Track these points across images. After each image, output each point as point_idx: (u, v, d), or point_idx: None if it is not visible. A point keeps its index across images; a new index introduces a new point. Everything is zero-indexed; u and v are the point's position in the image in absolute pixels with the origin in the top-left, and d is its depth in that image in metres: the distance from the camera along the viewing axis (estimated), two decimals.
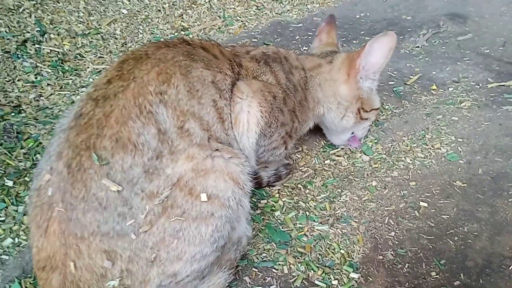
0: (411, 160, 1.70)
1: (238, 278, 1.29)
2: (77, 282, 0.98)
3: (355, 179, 1.64)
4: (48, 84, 2.03)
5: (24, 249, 1.28)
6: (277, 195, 1.57)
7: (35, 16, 2.27)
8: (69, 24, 2.35)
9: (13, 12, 2.22)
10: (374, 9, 2.84)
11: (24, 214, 1.35)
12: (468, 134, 1.80)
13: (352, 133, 1.73)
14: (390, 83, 2.13)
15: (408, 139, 1.80)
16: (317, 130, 1.83)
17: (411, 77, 2.16)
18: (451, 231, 1.40)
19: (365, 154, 1.74)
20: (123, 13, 2.51)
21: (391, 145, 1.77)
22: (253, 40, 2.51)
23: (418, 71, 2.20)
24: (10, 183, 1.41)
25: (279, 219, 1.49)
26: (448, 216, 1.46)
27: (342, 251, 1.37)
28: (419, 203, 1.52)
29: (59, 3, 2.41)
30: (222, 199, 1.10)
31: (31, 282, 1.20)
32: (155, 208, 1.02)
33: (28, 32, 2.20)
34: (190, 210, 1.05)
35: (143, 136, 1.03)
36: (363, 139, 1.79)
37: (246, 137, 1.30)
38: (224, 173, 1.11)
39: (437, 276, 1.26)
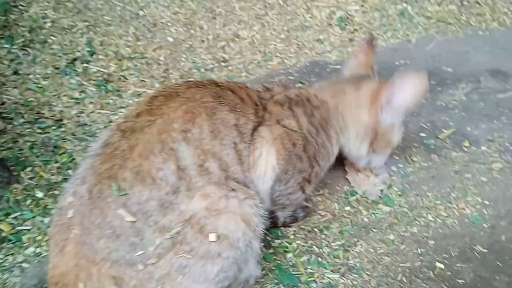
0: (433, 217, 1.67)
1: None
2: None
3: (373, 229, 1.62)
4: (90, 102, 2.14)
5: (44, 260, 1.35)
6: (291, 237, 1.58)
7: (86, 37, 2.42)
8: (117, 47, 2.48)
9: (66, 31, 2.37)
10: (415, 58, 2.84)
11: (48, 227, 1.42)
12: (495, 197, 1.75)
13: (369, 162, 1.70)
14: (421, 134, 2.11)
15: (432, 195, 1.77)
16: (341, 175, 1.84)
17: (444, 131, 2.13)
18: None
19: (386, 205, 1.72)
20: (168, 41, 2.62)
21: (414, 199, 1.75)
22: (289, 77, 2.56)
23: (452, 126, 2.17)
24: (40, 195, 1.50)
25: (291, 262, 1.50)
26: (464, 281, 1.42)
27: None
28: (435, 263, 1.49)
29: (110, 26, 2.55)
30: (231, 240, 1.13)
31: None
32: (165, 242, 1.06)
33: (79, 51, 2.34)
34: (198, 248, 1.09)
35: (163, 172, 1.09)
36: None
37: (261, 182, 1.33)
38: (236, 214, 1.15)
39: None
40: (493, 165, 1.91)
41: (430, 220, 1.66)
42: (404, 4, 3.23)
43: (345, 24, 3.04)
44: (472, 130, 2.14)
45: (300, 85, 2.45)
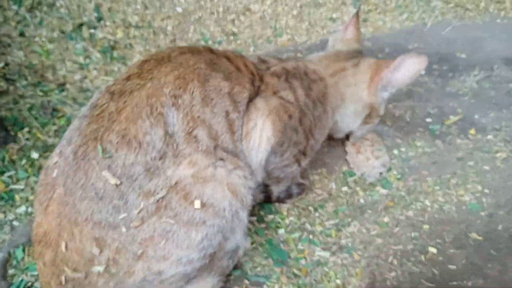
0: (430, 202, 1.64)
1: (228, 286, 1.30)
2: (66, 262, 1.03)
3: (368, 211, 1.61)
4: (94, 68, 2.13)
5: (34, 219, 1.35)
6: (285, 213, 1.57)
7: (95, 2, 2.39)
8: (125, 15, 2.45)
9: None
10: (429, 42, 2.76)
11: None
12: (496, 186, 1.72)
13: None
14: (427, 119, 2.06)
15: (432, 180, 1.74)
16: (340, 155, 1.82)
17: (451, 117, 2.08)
18: (454, 282, 1.35)
19: (383, 188, 1.70)
20: (177, 11, 2.58)
21: (413, 184, 1.72)
22: (298, 54, 2.51)
23: (459, 112, 2.12)
24: (35, 156, 1.50)
25: (282, 237, 1.49)
26: (455, 267, 1.40)
27: (338, 281, 1.35)
28: (428, 248, 1.47)
29: None
30: (216, 209, 1.11)
31: (33, 251, 1.27)
32: (149, 206, 1.05)
33: (86, 17, 2.31)
34: (182, 214, 1.08)
35: (150, 136, 1.08)
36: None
37: (255, 153, 1.31)
38: (223, 184, 1.13)
39: None
40: (497, 154, 1.87)
41: (427, 205, 1.63)
42: None
43: (360, 4, 2.97)
44: (480, 118, 2.09)
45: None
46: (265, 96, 1.34)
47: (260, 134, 1.30)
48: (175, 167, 1.08)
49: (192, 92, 1.15)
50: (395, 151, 1.88)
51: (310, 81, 1.50)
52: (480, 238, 1.51)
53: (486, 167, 1.80)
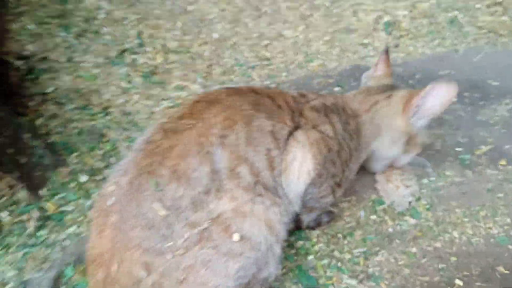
0: (458, 234, 1.67)
1: None
2: (116, 281, 1.14)
3: (396, 240, 1.65)
4: (136, 92, 2.27)
5: (83, 239, 1.47)
6: (314, 239, 1.63)
7: (137, 29, 2.54)
8: (165, 40, 2.58)
9: (118, 23, 2.50)
10: (460, 68, 2.78)
11: (89, 209, 1.54)
12: None
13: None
14: (457, 149, 2.09)
15: (461, 211, 1.76)
16: (370, 184, 1.87)
17: (481, 147, 2.10)
18: None
19: (412, 218, 1.74)
20: (214, 37, 2.70)
21: (442, 214, 1.75)
22: (328, 80, 2.58)
23: (490, 142, 2.13)
24: (84, 179, 1.63)
25: (311, 264, 1.55)
26: None
27: None
28: (455, 280, 1.50)
29: (159, 20, 2.66)
30: (253, 242, 1.21)
31: (82, 269, 1.38)
32: (193, 236, 1.15)
33: (128, 43, 2.46)
34: (222, 246, 1.18)
35: (198, 172, 1.19)
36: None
37: (295, 185, 1.39)
38: (261, 220, 1.23)
39: None
40: None
41: (455, 237, 1.66)
42: (455, 12, 3.16)
43: (392, 29, 3.02)
44: (510, 149, 2.10)
45: (337, 89, 2.48)
46: (306, 129, 1.42)
47: (300, 167, 1.38)
48: (218, 201, 1.18)
49: (238, 132, 1.26)
50: (425, 180, 1.91)
51: (348, 116, 1.58)
52: (507, 272, 1.52)
53: None
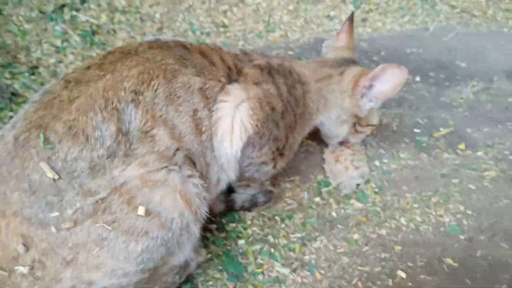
0: (406, 221, 1.53)
1: None
2: None
3: (338, 226, 1.50)
4: (72, 53, 2.03)
5: None
6: (248, 222, 1.48)
7: None
8: None
9: None
10: (429, 47, 2.63)
11: None
12: (480, 208, 1.60)
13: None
14: (414, 130, 1.95)
15: (411, 196, 1.63)
16: (317, 163, 1.72)
17: (440, 129, 1.96)
18: None
19: (359, 201, 1.59)
20: None
21: (390, 199, 1.62)
22: (289, 52, 2.40)
23: (450, 125, 2.00)
24: None
25: (241, 249, 1.39)
26: None
27: None
28: (397, 271, 1.36)
29: None
30: (163, 219, 1.02)
31: None
32: (86, 207, 0.96)
33: None
34: (122, 221, 0.98)
35: (100, 131, 0.99)
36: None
37: (228, 145, 1.21)
38: (176, 191, 1.04)
39: None
40: (485, 173, 1.75)
41: (402, 224, 1.52)
42: None
43: (360, 3, 2.84)
44: (472, 133, 1.97)
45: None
46: (244, 84, 1.25)
47: (233, 122, 1.20)
48: (123, 167, 0.99)
49: (156, 89, 1.07)
50: (377, 162, 1.77)
51: (294, 81, 1.41)
52: (455, 264, 1.40)
53: (472, 186, 1.68)
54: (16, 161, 0.95)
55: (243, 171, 1.33)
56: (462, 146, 1.88)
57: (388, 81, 1.40)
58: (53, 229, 0.95)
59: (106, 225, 0.97)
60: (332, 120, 1.54)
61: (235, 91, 1.23)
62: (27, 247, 0.95)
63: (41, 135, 0.96)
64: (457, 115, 2.09)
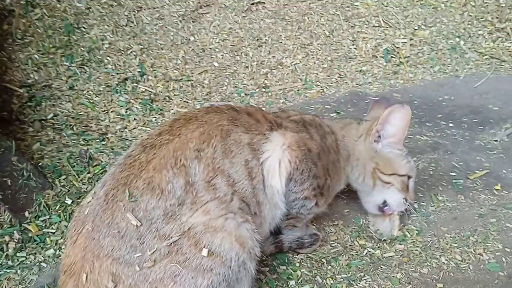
0: (446, 260, 1.63)
1: None
2: None
3: (381, 266, 1.61)
4: (134, 119, 2.33)
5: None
6: (297, 264, 1.62)
7: (139, 59, 2.62)
8: (166, 69, 2.66)
9: (121, 53, 2.58)
10: (460, 94, 2.76)
11: None
12: None
13: (385, 202, 1.71)
14: (451, 173, 2.05)
15: (450, 237, 1.72)
16: (359, 209, 1.85)
17: (476, 171, 2.06)
18: None
19: (399, 243, 1.70)
20: (214, 66, 2.77)
21: (430, 240, 1.72)
22: (326, 106, 2.59)
23: (486, 167, 2.09)
24: (69, 201, 1.66)
25: None
26: None
27: None
28: None
29: (162, 50, 2.74)
30: (223, 258, 1.21)
31: None
32: (162, 249, 1.17)
33: (130, 72, 2.53)
34: (191, 261, 1.19)
35: (171, 184, 1.24)
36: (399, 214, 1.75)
37: (275, 182, 1.44)
38: (232, 235, 1.23)
39: None
40: None
41: (443, 263, 1.61)
42: (457, 39, 3.16)
43: (391, 57, 3.04)
44: (507, 174, 2.05)
45: (334, 115, 2.49)
46: (282, 131, 1.49)
47: (276, 162, 1.44)
48: (191, 214, 1.21)
49: (214, 146, 1.33)
50: (415, 205, 1.88)
51: (325, 132, 1.64)
52: None
53: (509, 225, 1.76)
54: (108, 213, 1.20)
55: (290, 207, 1.54)
56: (498, 186, 1.96)
57: (396, 121, 1.58)
58: (137, 267, 1.16)
59: (178, 264, 1.18)
60: (354, 168, 1.69)
61: (277, 137, 1.47)
62: (115, 283, 1.16)
63: (127, 191, 1.22)
64: (492, 157, 2.18)
